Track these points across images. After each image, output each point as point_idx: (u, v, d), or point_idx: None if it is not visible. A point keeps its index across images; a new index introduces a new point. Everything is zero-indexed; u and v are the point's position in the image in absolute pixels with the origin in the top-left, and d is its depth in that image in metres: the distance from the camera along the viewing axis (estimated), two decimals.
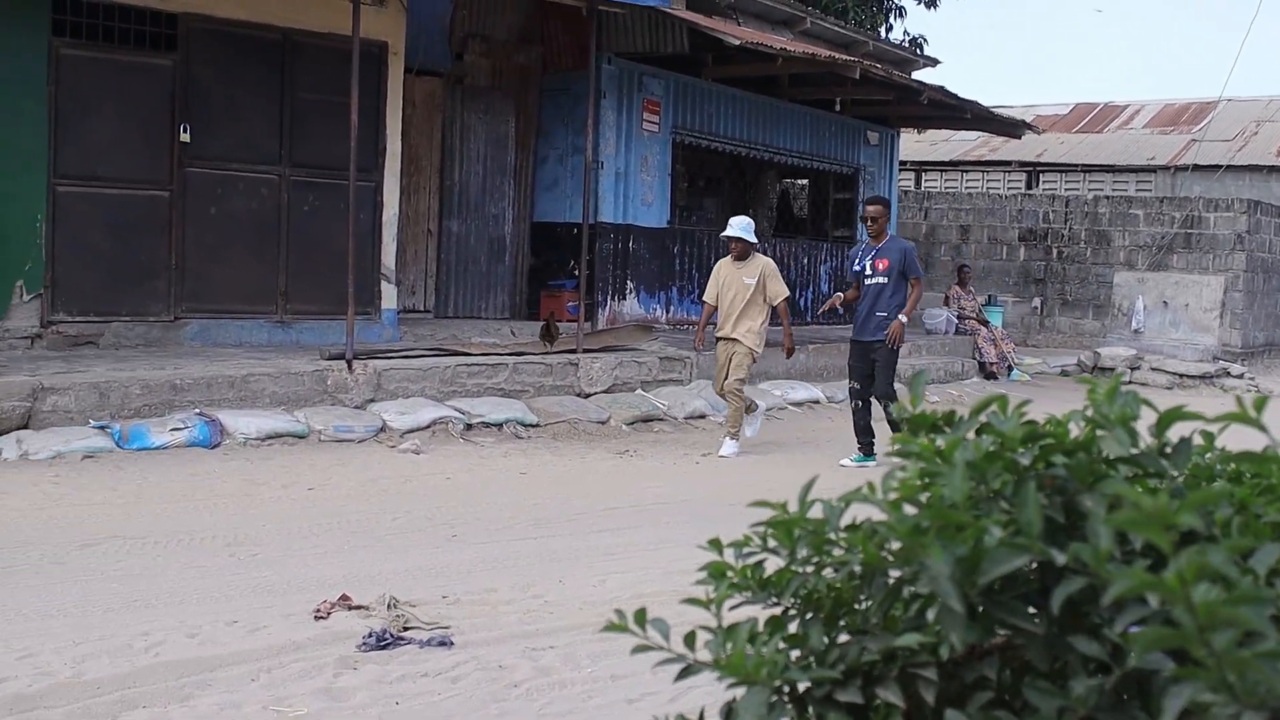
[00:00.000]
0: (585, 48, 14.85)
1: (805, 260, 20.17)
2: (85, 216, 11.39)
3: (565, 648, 5.33)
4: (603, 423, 11.71)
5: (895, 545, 1.26)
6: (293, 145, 12.58)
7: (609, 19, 14.87)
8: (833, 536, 1.38)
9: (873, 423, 11.02)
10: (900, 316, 10.70)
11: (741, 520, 6.29)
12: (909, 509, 1.28)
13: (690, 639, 1.38)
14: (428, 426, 10.45)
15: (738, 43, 14.99)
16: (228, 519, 7.61)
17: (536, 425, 11.21)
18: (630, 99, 16.29)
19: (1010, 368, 19.08)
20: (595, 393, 12.43)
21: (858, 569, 1.33)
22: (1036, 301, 24.62)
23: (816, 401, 14.31)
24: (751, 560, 1.47)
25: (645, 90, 16.52)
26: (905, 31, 31.33)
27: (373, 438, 10.19)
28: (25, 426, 9.22)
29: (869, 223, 10.94)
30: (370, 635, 5.24)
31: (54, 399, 9.36)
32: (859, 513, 1.53)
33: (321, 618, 5.56)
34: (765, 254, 12.00)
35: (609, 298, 16.11)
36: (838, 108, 20.86)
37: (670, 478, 9.94)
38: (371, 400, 10.81)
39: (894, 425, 10.34)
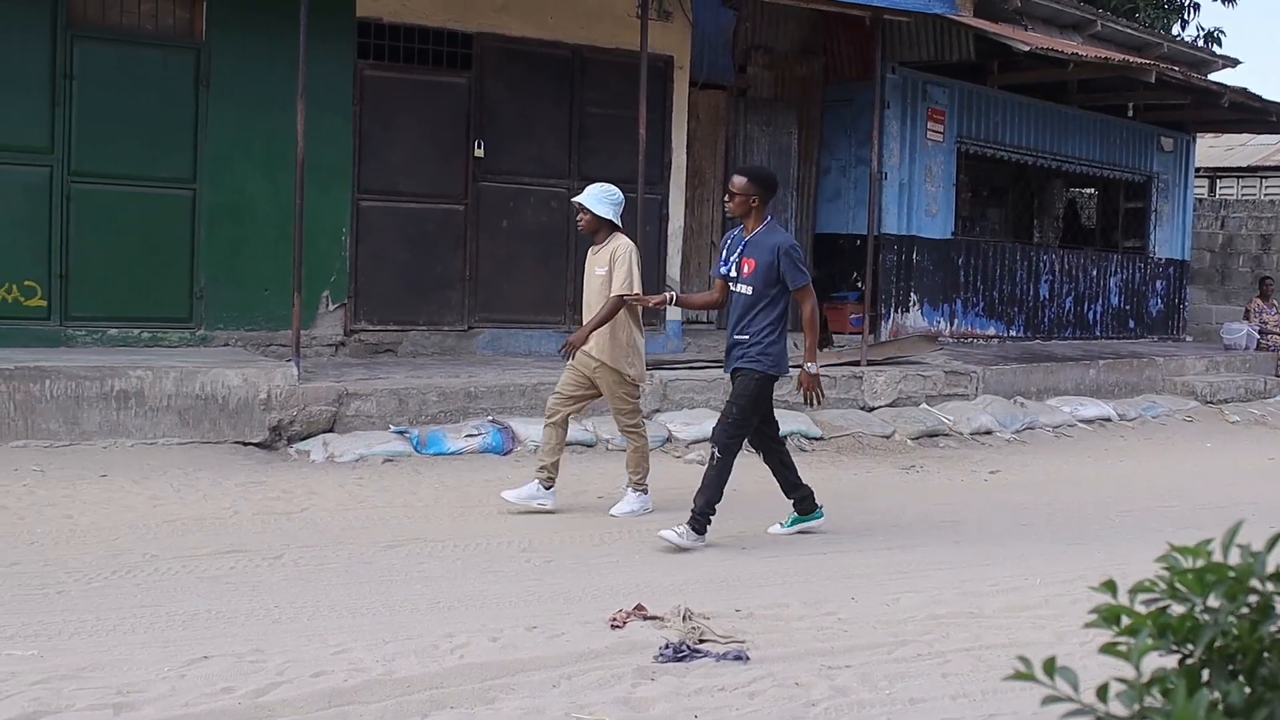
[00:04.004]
0: (868, 58, 14.74)
1: (1094, 272, 19.50)
2: (385, 230, 11.88)
3: (861, 667, 5.25)
4: (887, 437, 11.54)
5: None
6: (580, 159, 12.84)
7: (892, 28, 14.67)
8: (1255, 585, 1.28)
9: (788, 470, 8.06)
10: (808, 365, 7.57)
11: (1042, 542, 6.07)
12: None
13: (1103, 692, 1.30)
14: None
15: (1027, 49, 14.60)
16: (522, 525, 7.78)
17: (820, 438, 11.13)
18: (914, 108, 16.06)
19: None
20: (879, 406, 12.26)
21: None
22: None
23: (1108, 419, 13.77)
24: (1154, 606, 1.37)
25: (929, 99, 16.26)
26: (1199, 28, 30.01)
27: (659, 448, 10.28)
28: (331, 430, 9.67)
29: (728, 200, 7.72)
30: (667, 646, 5.26)
31: (357, 404, 9.78)
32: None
33: (617, 626, 5.62)
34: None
35: (892, 310, 15.91)
36: (1129, 113, 20.14)
37: (958, 495, 9.72)
38: (657, 410, 10.92)
39: (703, 500, 7.41)
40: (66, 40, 10.39)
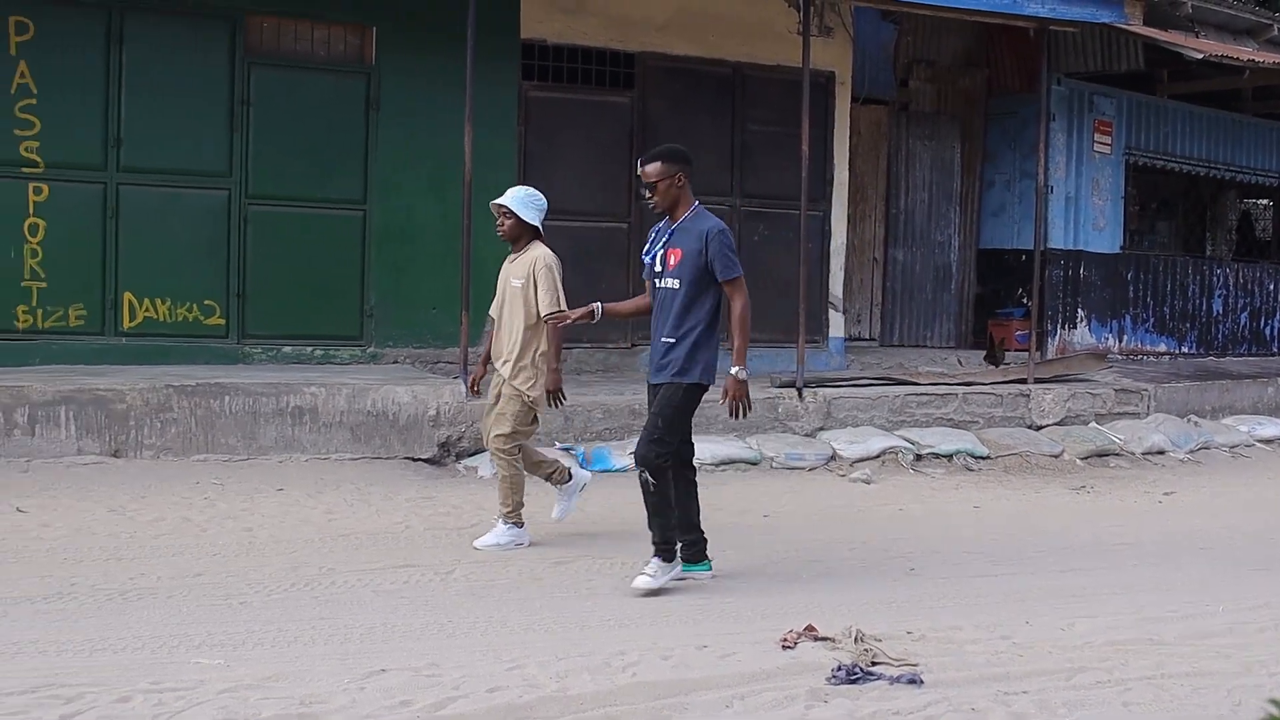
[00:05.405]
0: (1033, 69, 14.47)
1: (1271, 286, 18.86)
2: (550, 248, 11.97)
3: (1038, 693, 5.13)
4: (1055, 456, 11.29)
5: None
6: (742, 176, 12.84)
7: (1058, 38, 14.39)
8: None
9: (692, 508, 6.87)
10: (734, 370, 6.53)
11: (1222, 567, 5.85)
12: None
13: None
14: (877, 456, 10.39)
15: (1200, 56, 14.17)
16: None
17: (986, 457, 10.94)
18: (1080, 120, 15.74)
19: None
20: (1047, 425, 12.00)
21: None
22: None
23: None
24: None
25: (1096, 111, 15.92)
26: None
27: (823, 466, 10.22)
28: None
29: (649, 195, 6.76)
30: (839, 669, 5.21)
31: None
32: None
33: (788, 647, 5.58)
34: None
35: (1058, 326, 15.60)
36: None
37: (1131, 517, 9.46)
38: (821, 428, 10.85)
39: (674, 529, 6.71)
40: (244, 68, 10.73)
